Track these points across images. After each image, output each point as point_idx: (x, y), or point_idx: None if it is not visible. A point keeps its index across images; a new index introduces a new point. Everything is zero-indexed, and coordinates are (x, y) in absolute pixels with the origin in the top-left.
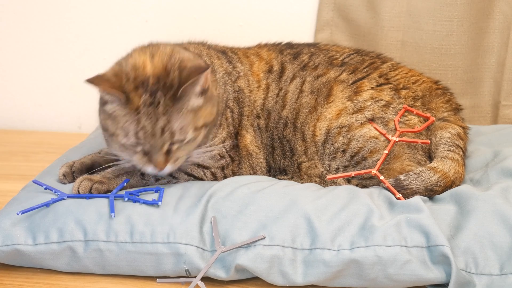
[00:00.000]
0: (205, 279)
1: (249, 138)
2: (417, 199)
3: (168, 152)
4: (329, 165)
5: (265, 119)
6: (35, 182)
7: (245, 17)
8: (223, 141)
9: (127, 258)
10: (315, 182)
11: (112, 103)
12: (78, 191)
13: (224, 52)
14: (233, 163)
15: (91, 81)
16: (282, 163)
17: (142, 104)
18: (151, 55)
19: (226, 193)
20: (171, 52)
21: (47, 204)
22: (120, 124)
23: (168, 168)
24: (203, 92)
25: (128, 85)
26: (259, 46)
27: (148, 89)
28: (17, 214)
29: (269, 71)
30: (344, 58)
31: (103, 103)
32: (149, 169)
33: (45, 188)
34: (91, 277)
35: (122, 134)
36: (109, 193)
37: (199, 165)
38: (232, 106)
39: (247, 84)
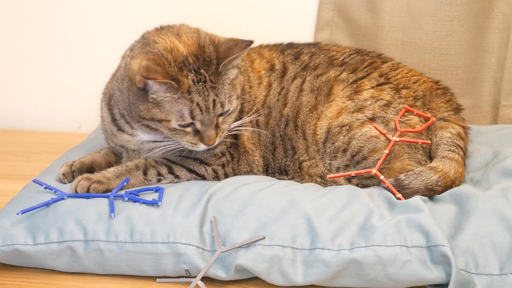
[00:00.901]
0: (205, 279)
1: (246, 135)
2: (417, 199)
3: (216, 126)
4: (330, 164)
5: (265, 116)
6: (35, 181)
7: (245, 17)
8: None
9: (127, 258)
10: (316, 182)
11: (159, 91)
12: (76, 191)
13: None
14: (233, 160)
15: (147, 76)
16: (284, 162)
17: (192, 83)
18: (176, 35)
19: (226, 193)
20: (196, 29)
21: (47, 204)
22: (173, 108)
23: (217, 141)
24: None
25: (172, 69)
26: (261, 46)
27: (191, 68)
28: (17, 214)
29: (271, 69)
30: (345, 58)
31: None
32: (201, 147)
33: (45, 188)
34: (91, 277)
35: (175, 117)
36: (109, 193)
37: (201, 162)
38: None
39: (248, 80)
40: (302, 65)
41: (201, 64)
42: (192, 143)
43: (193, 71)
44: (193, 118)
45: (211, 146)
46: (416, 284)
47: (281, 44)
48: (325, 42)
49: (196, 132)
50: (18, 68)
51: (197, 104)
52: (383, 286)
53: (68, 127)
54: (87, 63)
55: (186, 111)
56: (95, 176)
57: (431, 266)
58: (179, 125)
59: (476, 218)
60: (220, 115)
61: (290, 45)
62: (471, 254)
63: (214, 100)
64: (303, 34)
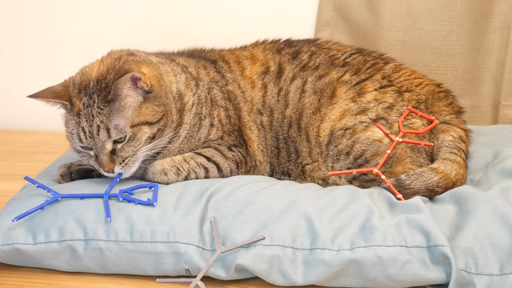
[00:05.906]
0: (205, 278)
1: (256, 141)
2: (417, 200)
3: (114, 152)
4: (332, 167)
5: (268, 116)
6: (26, 178)
7: (245, 17)
8: (221, 138)
9: (127, 257)
10: (318, 184)
11: (64, 111)
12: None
13: (215, 61)
14: (246, 165)
15: (31, 96)
16: (287, 167)
17: (82, 107)
18: (101, 60)
19: (226, 192)
20: (119, 55)
21: (41, 207)
22: (69, 128)
23: (117, 169)
24: (145, 91)
25: (73, 91)
26: (256, 44)
27: (88, 92)
28: (12, 221)
29: (265, 72)
30: (346, 58)
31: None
32: (103, 172)
33: (37, 186)
34: (91, 277)
35: (71, 138)
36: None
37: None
38: (225, 105)
39: (238, 87)
40: (300, 64)
41: (97, 89)
42: (96, 167)
43: (88, 95)
44: (80, 141)
45: (112, 174)
46: (416, 284)
47: (278, 41)
48: (325, 39)
49: (96, 156)
50: (18, 68)
51: (82, 128)
52: (383, 286)
53: None
54: (87, 63)
55: (75, 134)
56: None
57: (431, 266)
58: (81, 147)
59: (476, 218)
60: (118, 142)
61: (288, 43)
62: (471, 254)
63: (98, 126)
64: (303, 34)
